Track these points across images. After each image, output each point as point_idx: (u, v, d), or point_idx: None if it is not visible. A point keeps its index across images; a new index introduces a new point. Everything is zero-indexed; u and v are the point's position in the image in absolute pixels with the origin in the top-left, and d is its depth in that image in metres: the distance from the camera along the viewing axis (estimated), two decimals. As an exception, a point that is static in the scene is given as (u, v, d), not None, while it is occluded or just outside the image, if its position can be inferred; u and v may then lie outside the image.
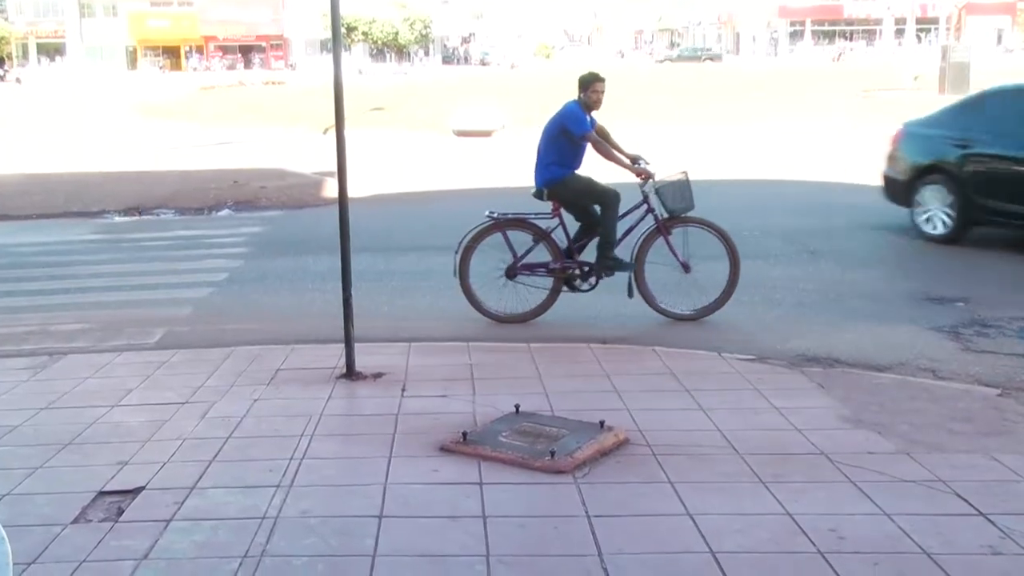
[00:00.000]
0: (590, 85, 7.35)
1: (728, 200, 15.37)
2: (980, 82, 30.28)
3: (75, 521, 4.03)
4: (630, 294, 7.40)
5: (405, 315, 8.02)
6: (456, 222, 13.36)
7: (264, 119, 31.69)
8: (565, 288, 7.59)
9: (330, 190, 15.38)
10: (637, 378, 5.89)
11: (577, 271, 7.57)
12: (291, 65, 73.82)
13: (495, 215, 7.60)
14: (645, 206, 7.45)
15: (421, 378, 5.94)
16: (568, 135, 7.33)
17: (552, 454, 4.51)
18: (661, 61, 59.25)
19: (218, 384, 5.95)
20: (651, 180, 7.36)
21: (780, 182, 15.86)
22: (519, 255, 7.60)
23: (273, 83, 49.28)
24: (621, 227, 7.49)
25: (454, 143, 24.95)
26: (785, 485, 4.23)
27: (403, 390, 5.73)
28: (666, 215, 7.41)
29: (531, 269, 7.63)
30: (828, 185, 15.11)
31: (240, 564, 3.60)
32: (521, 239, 7.65)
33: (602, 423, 4.91)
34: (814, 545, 3.66)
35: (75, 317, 8.23)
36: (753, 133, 24.54)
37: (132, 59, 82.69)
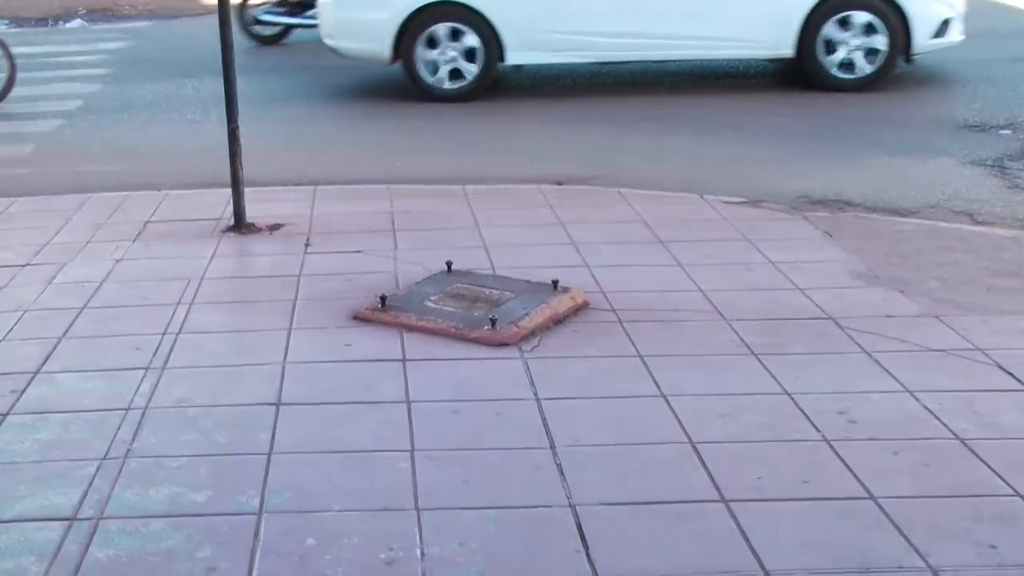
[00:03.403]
0: None
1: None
2: None
3: None
4: None
5: (310, 149, 7.96)
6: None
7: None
8: None
9: (213, -6, 14.94)
10: (599, 227, 5.87)
11: None
12: None
13: None
14: None
15: (329, 230, 5.93)
16: None
17: (493, 322, 4.49)
18: None
19: (69, 240, 5.88)
20: None
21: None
22: None
23: None
24: None
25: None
26: (783, 358, 4.21)
27: (307, 245, 5.71)
28: None
29: None
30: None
31: (98, 468, 3.51)
32: None
33: (555, 283, 4.89)
34: (818, 431, 3.64)
35: None
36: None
37: None
